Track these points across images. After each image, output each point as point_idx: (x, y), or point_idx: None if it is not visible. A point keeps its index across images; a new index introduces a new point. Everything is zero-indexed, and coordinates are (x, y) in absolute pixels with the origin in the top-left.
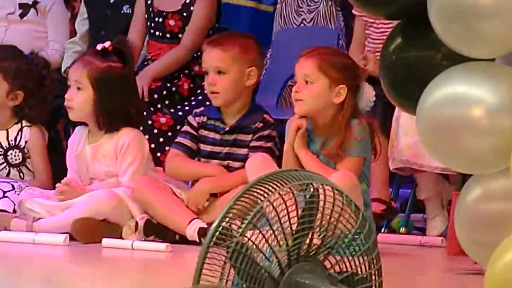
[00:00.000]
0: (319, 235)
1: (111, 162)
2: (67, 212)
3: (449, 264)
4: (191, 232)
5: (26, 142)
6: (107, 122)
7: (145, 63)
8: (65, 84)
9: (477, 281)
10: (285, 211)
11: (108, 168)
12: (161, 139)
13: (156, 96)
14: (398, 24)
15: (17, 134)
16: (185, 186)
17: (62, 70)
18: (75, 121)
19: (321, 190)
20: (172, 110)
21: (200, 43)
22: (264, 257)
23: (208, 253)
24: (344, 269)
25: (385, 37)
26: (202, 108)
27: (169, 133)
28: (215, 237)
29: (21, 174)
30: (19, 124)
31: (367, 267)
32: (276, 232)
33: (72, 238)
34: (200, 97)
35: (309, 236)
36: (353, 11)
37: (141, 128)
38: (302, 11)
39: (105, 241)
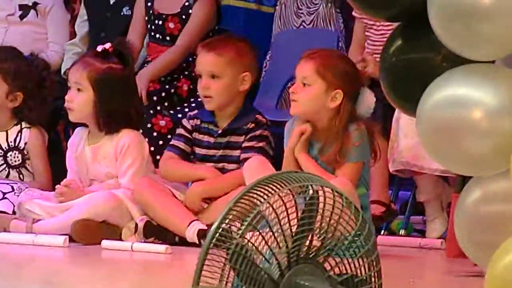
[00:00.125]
0: (319, 237)
1: (111, 164)
2: (67, 213)
3: (449, 266)
4: (191, 234)
5: (25, 143)
6: (108, 124)
7: (145, 65)
8: (65, 86)
9: (477, 283)
10: (285, 213)
11: (108, 170)
12: (161, 142)
13: (155, 98)
14: (398, 26)
15: (17, 135)
16: (183, 188)
17: (62, 71)
18: (75, 122)
19: (320, 192)
20: (171, 112)
21: (196, 44)
22: (263, 259)
23: (207, 254)
24: (344, 271)
25: (385, 39)
26: (195, 111)
27: (169, 136)
28: (214, 239)
29: (21, 176)
30: (19, 126)
31: (366, 269)
32: (276, 234)
33: (71, 240)
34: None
35: (309, 238)
36: (353, 13)
37: (140, 130)
38: (302, 13)
39: (105, 243)
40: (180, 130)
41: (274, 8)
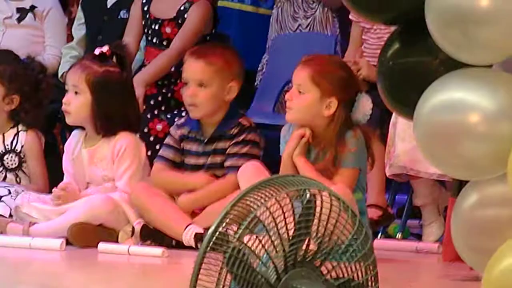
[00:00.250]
0: (315, 241)
1: (108, 166)
2: (63, 216)
3: (445, 270)
4: (188, 237)
5: (22, 146)
6: (105, 126)
7: (142, 69)
8: (61, 89)
9: (474, 287)
10: (282, 216)
11: (104, 172)
12: (158, 146)
13: (152, 102)
14: (396, 30)
15: (13, 138)
16: None
17: (59, 75)
18: (72, 125)
19: (318, 196)
20: (168, 116)
21: (190, 48)
22: (260, 262)
23: (204, 258)
24: (341, 275)
25: (382, 43)
26: (182, 120)
27: None
28: (211, 242)
29: (18, 179)
30: (15, 128)
31: (363, 273)
32: (272, 238)
33: (68, 243)
34: None
35: (306, 242)
36: (350, 17)
37: (138, 134)
38: (298, 17)
39: (101, 246)
40: (168, 140)
41: (271, 10)
